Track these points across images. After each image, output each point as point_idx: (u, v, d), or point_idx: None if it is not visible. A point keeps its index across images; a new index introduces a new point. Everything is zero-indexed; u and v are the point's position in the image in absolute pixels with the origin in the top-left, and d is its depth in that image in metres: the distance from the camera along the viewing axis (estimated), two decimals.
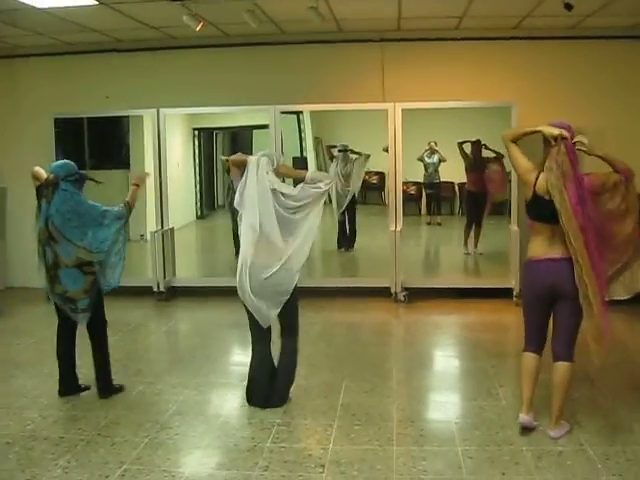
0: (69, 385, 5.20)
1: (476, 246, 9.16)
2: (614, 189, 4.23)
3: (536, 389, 4.40)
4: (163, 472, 3.98)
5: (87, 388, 5.25)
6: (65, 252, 4.90)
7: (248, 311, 4.86)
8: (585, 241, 4.01)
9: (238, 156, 5.02)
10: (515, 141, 4.35)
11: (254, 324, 4.89)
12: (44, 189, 4.94)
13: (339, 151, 9.39)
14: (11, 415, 4.84)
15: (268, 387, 4.93)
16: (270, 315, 4.81)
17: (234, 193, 4.84)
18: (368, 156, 9.29)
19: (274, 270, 4.71)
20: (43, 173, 5.04)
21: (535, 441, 4.28)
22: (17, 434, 4.49)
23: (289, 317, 4.94)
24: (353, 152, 9.35)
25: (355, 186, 9.49)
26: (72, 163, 5.08)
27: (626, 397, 4.97)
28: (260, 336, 4.95)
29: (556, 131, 4.14)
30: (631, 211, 4.26)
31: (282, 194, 4.74)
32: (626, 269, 4.39)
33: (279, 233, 4.71)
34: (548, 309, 4.35)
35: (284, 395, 4.99)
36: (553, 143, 4.14)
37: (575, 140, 4.20)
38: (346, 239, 9.67)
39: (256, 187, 4.70)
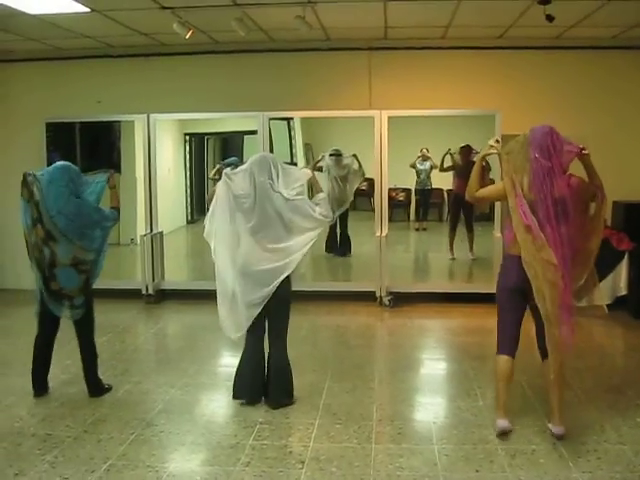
0: (43, 387, 5.29)
1: (471, 250, 9.26)
2: (591, 200, 4.36)
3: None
4: (147, 467, 4.08)
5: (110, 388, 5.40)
6: (63, 251, 4.97)
7: None
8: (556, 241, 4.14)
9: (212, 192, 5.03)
10: (480, 186, 4.53)
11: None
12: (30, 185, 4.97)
13: (330, 155, 9.29)
14: (0, 412, 4.94)
15: (254, 385, 5.02)
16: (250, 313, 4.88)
17: None
18: (363, 174, 9.25)
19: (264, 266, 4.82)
20: None
21: (510, 440, 4.40)
22: (5, 431, 4.59)
23: (279, 322, 4.99)
24: (357, 160, 9.23)
25: (350, 193, 9.48)
26: (74, 167, 5.19)
27: (599, 399, 5.11)
28: (254, 330, 4.96)
29: (489, 143, 4.48)
30: (597, 231, 4.40)
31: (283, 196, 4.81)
32: (594, 283, 4.51)
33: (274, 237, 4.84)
34: (524, 307, 4.48)
35: (291, 394, 5.09)
36: (492, 149, 4.46)
37: (582, 146, 4.24)
38: (338, 245, 9.66)
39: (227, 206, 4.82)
